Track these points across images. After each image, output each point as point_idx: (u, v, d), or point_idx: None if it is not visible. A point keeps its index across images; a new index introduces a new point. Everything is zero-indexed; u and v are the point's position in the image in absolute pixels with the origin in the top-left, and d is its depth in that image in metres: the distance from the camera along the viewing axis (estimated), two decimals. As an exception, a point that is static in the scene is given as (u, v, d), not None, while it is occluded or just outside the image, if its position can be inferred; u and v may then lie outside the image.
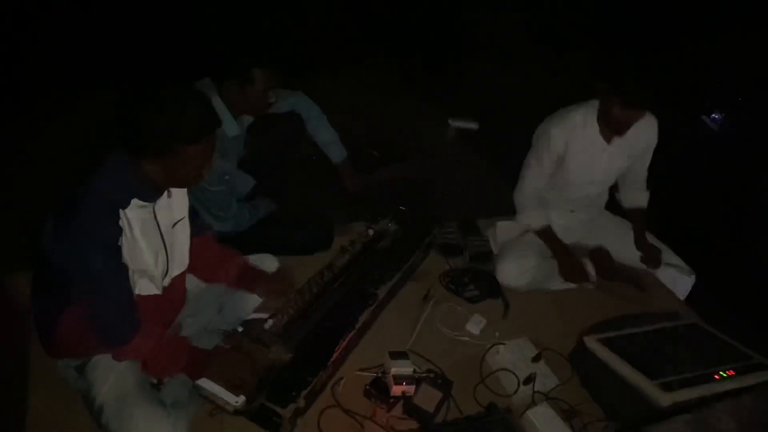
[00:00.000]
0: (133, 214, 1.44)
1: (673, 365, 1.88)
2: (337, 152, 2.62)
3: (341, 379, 1.86)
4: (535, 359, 2.04)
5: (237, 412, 1.60)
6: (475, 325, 2.18)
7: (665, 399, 1.72)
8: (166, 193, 1.53)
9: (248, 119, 2.21)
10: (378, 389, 1.81)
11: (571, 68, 3.98)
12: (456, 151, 3.50)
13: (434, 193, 2.95)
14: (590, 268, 2.39)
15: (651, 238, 2.49)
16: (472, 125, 3.73)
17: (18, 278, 1.93)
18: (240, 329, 1.86)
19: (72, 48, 3.74)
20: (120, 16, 4.01)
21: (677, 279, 2.47)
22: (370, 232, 2.33)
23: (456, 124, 3.73)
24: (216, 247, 1.87)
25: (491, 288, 2.35)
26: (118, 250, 1.42)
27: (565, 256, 2.37)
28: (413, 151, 3.29)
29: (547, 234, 2.40)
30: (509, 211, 2.50)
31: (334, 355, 1.81)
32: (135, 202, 1.44)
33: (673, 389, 1.75)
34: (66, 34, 3.81)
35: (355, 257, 2.20)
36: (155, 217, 1.51)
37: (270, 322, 1.82)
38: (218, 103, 2.03)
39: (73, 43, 3.77)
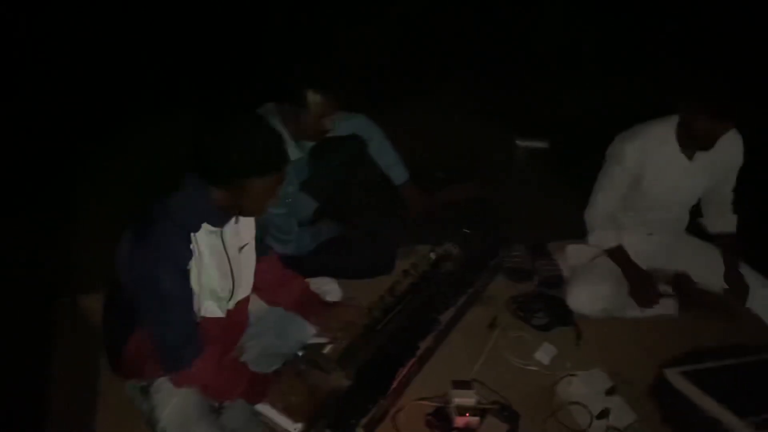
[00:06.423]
0: (203, 239, 1.47)
1: (765, 403, 1.74)
2: (398, 174, 2.59)
3: (402, 407, 1.81)
4: (610, 392, 1.91)
5: (295, 438, 1.58)
6: (544, 355, 2.08)
7: (757, 440, 1.60)
8: (234, 218, 1.56)
9: (310, 142, 2.22)
10: (440, 419, 1.75)
11: (646, 84, 3.80)
12: (524, 171, 3.41)
13: (501, 215, 2.86)
14: (672, 297, 2.24)
15: (742, 267, 2.30)
16: (542, 144, 3.63)
17: (91, 300, 2.01)
18: (300, 353, 1.85)
19: (144, 70, 3.95)
20: (188, 42, 4.21)
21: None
22: (432, 255, 2.28)
23: (524, 143, 3.64)
24: (280, 268, 1.88)
25: (562, 315, 2.24)
26: (187, 273, 1.45)
27: (637, 277, 2.23)
28: (479, 171, 3.22)
29: (617, 254, 2.27)
30: (581, 233, 2.39)
31: (395, 383, 1.77)
32: (205, 226, 1.47)
33: (766, 429, 1.63)
34: (137, 59, 4.04)
35: (417, 281, 2.15)
36: (223, 242, 1.54)
37: (329, 347, 1.81)
38: (278, 127, 2.05)
39: (145, 67, 3.99)
